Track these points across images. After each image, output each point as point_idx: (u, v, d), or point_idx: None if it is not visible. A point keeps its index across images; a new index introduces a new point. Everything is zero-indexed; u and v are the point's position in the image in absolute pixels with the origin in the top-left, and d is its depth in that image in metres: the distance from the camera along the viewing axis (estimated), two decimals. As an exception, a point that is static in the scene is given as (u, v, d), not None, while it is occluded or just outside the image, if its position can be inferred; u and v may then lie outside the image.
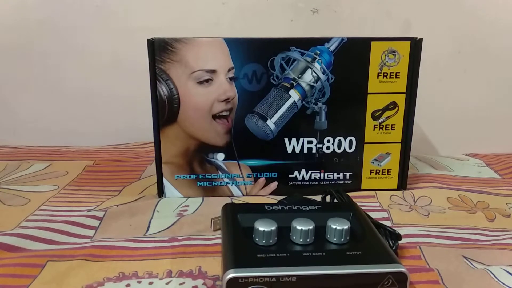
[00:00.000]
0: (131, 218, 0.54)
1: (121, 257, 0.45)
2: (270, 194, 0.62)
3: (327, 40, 0.57)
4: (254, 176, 0.61)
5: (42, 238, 0.48)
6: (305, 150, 0.60)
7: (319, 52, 0.57)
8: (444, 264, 0.44)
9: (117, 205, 0.57)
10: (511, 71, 0.83)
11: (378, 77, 0.59)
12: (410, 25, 0.81)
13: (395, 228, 0.46)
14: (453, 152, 0.83)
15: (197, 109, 0.57)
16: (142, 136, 0.84)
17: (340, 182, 0.62)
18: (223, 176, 0.61)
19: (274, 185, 0.61)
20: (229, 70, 0.57)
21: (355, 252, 0.38)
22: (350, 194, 0.55)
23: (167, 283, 0.40)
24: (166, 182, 0.60)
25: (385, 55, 0.58)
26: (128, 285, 0.40)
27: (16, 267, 0.42)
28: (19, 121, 0.87)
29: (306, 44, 0.57)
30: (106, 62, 0.84)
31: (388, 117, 0.60)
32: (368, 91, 0.59)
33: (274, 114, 0.59)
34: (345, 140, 0.61)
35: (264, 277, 0.34)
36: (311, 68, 0.58)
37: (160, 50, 0.55)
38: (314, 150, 0.61)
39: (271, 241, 0.40)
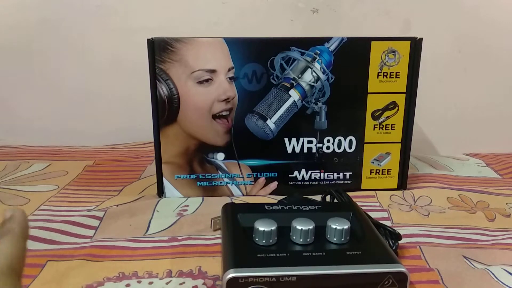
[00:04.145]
0: (131, 218, 0.54)
1: (121, 257, 0.45)
2: (270, 194, 0.61)
3: (327, 40, 0.57)
4: (254, 176, 0.61)
5: (42, 238, 0.48)
6: (305, 150, 0.60)
7: (319, 52, 0.57)
8: (444, 264, 0.44)
9: (117, 205, 0.57)
10: (511, 71, 0.83)
11: (378, 77, 0.59)
12: (410, 25, 0.81)
13: (395, 228, 0.46)
14: (453, 152, 0.83)
15: (197, 109, 0.57)
16: (142, 136, 0.84)
17: (340, 182, 0.62)
18: (223, 176, 0.61)
19: (274, 185, 0.61)
20: (229, 70, 0.57)
21: (355, 252, 0.38)
22: (350, 194, 0.55)
23: (167, 283, 0.40)
24: (166, 182, 0.60)
25: (385, 55, 0.58)
26: (128, 285, 0.40)
27: (16, 267, 0.42)
28: (19, 121, 0.87)
29: (306, 44, 0.57)
30: (106, 62, 0.84)
31: (388, 117, 0.60)
32: (368, 91, 0.59)
33: (274, 114, 0.59)
34: (345, 140, 0.61)
35: (264, 277, 0.34)
36: (311, 68, 0.58)
37: (160, 50, 0.55)
38: (314, 150, 0.61)
39: (271, 241, 0.40)
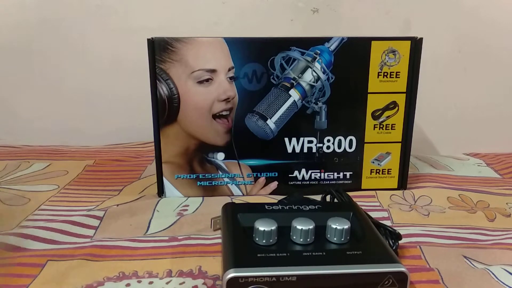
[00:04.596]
0: (131, 217, 0.54)
1: (121, 256, 0.45)
2: (270, 193, 0.61)
3: (327, 39, 0.57)
4: (254, 175, 0.61)
5: (42, 237, 0.48)
6: (305, 150, 0.60)
7: (319, 52, 0.57)
8: (444, 264, 0.44)
9: (117, 205, 0.57)
10: (511, 71, 0.83)
11: (378, 77, 0.59)
12: (410, 25, 0.81)
13: (395, 228, 0.46)
14: (453, 152, 0.83)
15: (197, 108, 0.57)
16: (142, 136, 0.84)
17: (340, 182, 0.62)
18: (223, 176, 0.61)
19: (274, 184, 0.61)
20: (229, 70, 0.57)
21: (355, 252, 0.38)
22: (350, 193, 0.55)
23: (167, 283, 0.40)
24: (166, 182, 0.60)
25: (385, 55, 0.58)
26: (128, 284, 0.40)
27: (16, 267, 0.42)
28: (19, 121, 0.87)
29: (306, 43, 0.57)
30: (106, 62, 0.84)
31: (388, 117, 0.60)
32: (368, 91, 0.59)
33: (274, 113, 0.59)
34: (345, 139, 0.61)
35: (264, 276, 0.34)
36: (311, 68, 0.58)
37: (160, 50, 0.55)
38: (314, 150, 0.61)
39: (271, 240, 0.40)
